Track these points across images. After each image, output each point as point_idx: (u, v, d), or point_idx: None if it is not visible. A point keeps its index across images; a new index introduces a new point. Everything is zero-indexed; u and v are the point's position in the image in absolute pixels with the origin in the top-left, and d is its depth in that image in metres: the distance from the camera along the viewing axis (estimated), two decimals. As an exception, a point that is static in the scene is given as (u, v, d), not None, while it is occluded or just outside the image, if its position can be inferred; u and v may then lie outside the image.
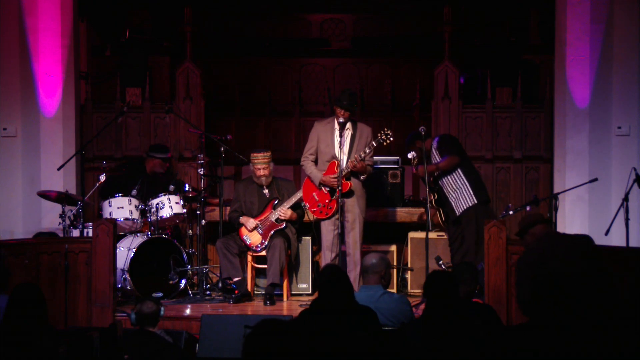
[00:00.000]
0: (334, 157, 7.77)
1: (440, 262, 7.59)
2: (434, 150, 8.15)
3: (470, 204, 7.97)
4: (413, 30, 11.31)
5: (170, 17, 10.73)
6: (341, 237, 7.66)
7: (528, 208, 8.31)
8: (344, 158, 7.70)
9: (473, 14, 11.01)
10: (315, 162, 7.92)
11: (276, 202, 8.37)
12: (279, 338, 3.90)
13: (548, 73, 9.72)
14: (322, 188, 7.82)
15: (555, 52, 9.28)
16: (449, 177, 8.06)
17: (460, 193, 7.99)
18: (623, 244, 7.61)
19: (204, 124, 9.73)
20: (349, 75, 11.22)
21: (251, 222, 8.26)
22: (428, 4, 10.88)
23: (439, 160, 8.06)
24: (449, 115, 9.52)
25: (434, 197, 8.03)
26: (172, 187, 8.69)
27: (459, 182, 8.02)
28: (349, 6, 11.55)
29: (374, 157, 8.04)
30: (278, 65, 11.31)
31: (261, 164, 8.28)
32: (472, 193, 7.99)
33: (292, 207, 8.32)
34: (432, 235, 8.10)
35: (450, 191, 8.03)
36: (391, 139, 7.72)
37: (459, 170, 8.06)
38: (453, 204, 7.99)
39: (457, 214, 7.92)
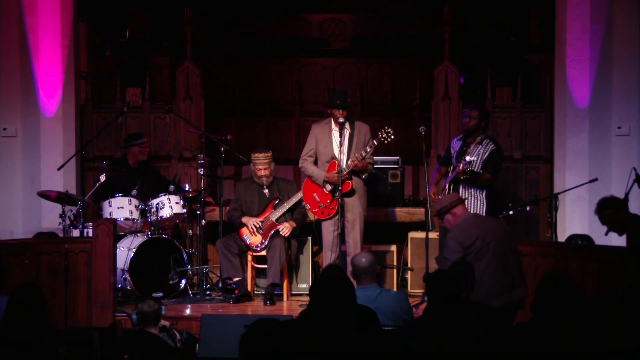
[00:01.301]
0: (334, 157, 7.77)
1: None
2: (482, 149, 7.79)
3: None
4: (413, 30, 11.30)
5: (170, 17, 10.73)
6: (341, 237, 7.66)
7: (528, 208, 8.28)
8: (344, 158, 7.70)
9: (473, 14, 11.00)
10: (315, 163, 7.93)
11: (277, 202, 8.37)
12: (275, 337, 3.90)
13: (548, 73, 9.71)
14: (324, 188, 7.82)
15: (555, 52, 9.28)
16: (472, 186, 7.81)
17: (474, 204, 7.78)
18: (623, 244, 7.60)
19: (204, 124, 9.73)
20: (349, 75, 11.22)
21: (253, 222, 8.25)
22: (428, 4, 10.88)
23: (480, 172, 7.75)
24: (449, 115, 9.52)
25: (449, 187, 7.82)
26: (172, 187, 8.69)
27: (478, 196, 7.84)
28: (349, 6, 11.55)
29: (374, 157, 8.03)
30: (278, 65, 11.31)
31: (262, 164, 8.29)
32: (484, 212, 7.72)
33: (293, 208, 8.33)
34: (432, 235, 8.09)
35: (465, 195, 7.82)
36: (392, 137, 7.69)
37: (485, 189, 7.84)
38: None
39: None
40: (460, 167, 7.61)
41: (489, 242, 6.37)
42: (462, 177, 7.70)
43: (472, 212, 7.74)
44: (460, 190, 7.77)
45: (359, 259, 5.91)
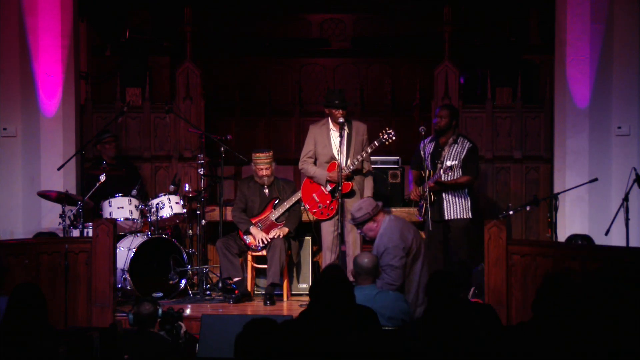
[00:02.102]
0: (333, 157, 7.78)
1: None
2: (459, 148, 7.83)
3: (465, 217, 7.79)
4: (413, 30, 11.30)
5: (170, 17, 10.72)
6: (341, 237, 7.66)
7: (528, 208, 8.29)
8: (343, 158, 7.70)
9: (473, 14, 11.00)
10: (314, 164, 7.93)
11: (276, 201, 8.38)
12: (270, 337, 3.89)
13: (548, 73, 9.71)
14: (326, 187, 7.82)
15: (555, 52, 9.27)
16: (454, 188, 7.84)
17: (457, 203, 7.80)
18: (623, 244, 7.61)
19: (204, 124, 9.73)
20: (349, 75, 11.22)
21: (261, 237, 8.24)
22: (428, 4, 10.87)
23: (459, 176, 7.80)
24: (449, 115, 9.51)
25: (430, 198, 7.81)
26: (172, 187, 8.69)
27: (462, 195, 7.83)
28: (349, 6, 11.54)
29: (374, 157, 8.02)
30: (278, 65, 11.31)
31: (263, 164, 8.30)
32: (469, 209, 7.80)
33: (292, 207, 8.34)
34: (432, 235, 8.08)
35: (448, 195, 7.83)
36: (394, 138, 7.70)
37: (467, 188, 7.89)
38: (445, 207, 7.82)
39: (446, 217, 7.83)
40: (436, 179, 7.67)
41: (420, 243, 6.55)
42: (436, 188, 7.75)
43: (458, 211, 7.77)
44: (443, 191, 7.80)
45: (361, 259, 5.92)
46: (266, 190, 8.41)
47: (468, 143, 7.93)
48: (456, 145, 7.86)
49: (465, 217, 7.81)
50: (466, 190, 7.87)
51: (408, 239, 6.51)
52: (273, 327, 3.95)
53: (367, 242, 8.54)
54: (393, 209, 8.94)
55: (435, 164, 7.82)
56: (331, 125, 7.82)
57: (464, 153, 7.85)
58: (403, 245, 6.46)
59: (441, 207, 7.80)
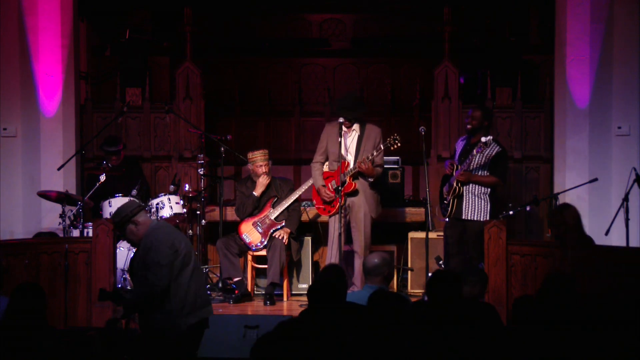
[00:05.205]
0: (340, 157, 7.82)
1: (440, 262, 7.57)
2: (486, 151, 7.73)
3: (482, 219, 7.70)
4: (413, 30, 11.30)
5: (170, 17, 10.73)
6: (347, 236, 7.68)
7: (528, 208, 8.29)
8: (351, 159, 7.73)
9: (473, 14, 11.00)
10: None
11: (275, 200, 8.39)
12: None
13: (548, 73, 9.71)
14: (330, 186, 7.86)
15: (555, 52, 9.28)
16: (477, 185, 7.80)
17: (478, 203, 7.76)
18: (623, 244, 7.61)
19: (204, 124, 9.73)
20: (349, 75, 11.21)
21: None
22: (428, 4, 10.87)
23: (486, 174, 7.75)
24: (449, 115, 9.52)
25: (458, 189, 7.74)
26: (172, 187, 8.69)
27: (482, 196, 7.80)
28: (349, 6, 11.54)
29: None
30: (278, 65, 11.30)
31: (261, 161, 8.33)
32: (487, 212, 7.73)
33: (290, 206, 8.36)
34: (432, 235, 8.08)
35: (469, 195, 7.81)
36: (399, 144, 7.75)
37: (490, 189, 7.83)
38: (464, 207, 7.80)
39: (463, 217, 7.80)
40: (464, 169, 7.65)
41: (190, 248, 5.88)
42: (462, 179, 7.73)
43: (476, 213, 7.73)
44: (464, 189, 7.76)
45: (371, 258, 5.96)
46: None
47: (497, 147, 7.84)
48: (486, 147, 7.76)
49: (482, 219, 7.69)
50: (488, 193, 7.79)
51: (178, 238, 5.81)
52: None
53: (375, 243, 8.56)
54: (392, 209, 8.96)
55: (464, 162, 7.79)
56: (344, 126, 7.86)
57: (492, 157, 7.75)
58: (170, 244, 5.71)
59: (460, 206, 7.77)
